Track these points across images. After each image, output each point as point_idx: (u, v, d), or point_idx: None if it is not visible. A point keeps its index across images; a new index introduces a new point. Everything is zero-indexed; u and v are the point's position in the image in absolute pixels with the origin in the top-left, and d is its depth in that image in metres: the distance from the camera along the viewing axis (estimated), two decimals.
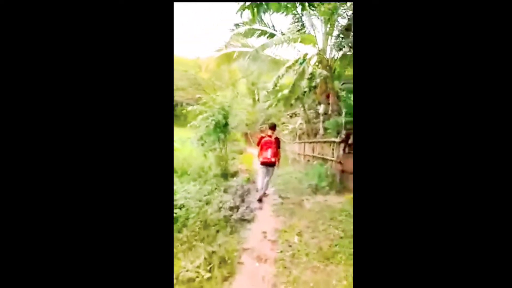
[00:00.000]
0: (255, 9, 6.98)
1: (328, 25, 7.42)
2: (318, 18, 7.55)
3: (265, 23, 8.06)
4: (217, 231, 3.12)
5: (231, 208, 3.75)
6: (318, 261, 2.39)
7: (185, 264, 2.24)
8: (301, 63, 7.48)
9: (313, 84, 7.85)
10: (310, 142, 7.97)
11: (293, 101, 8.78)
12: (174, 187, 4.35)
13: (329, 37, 7.68)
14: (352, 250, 2.50)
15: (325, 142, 6.57)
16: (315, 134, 8.27)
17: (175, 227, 3.07)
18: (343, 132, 5.90)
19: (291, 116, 12.32)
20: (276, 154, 4.55)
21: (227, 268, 2.26)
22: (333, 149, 5.91)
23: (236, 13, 6.41)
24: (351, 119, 6.27)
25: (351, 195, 4.42)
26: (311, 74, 7.52)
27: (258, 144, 4.78)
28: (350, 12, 6.91)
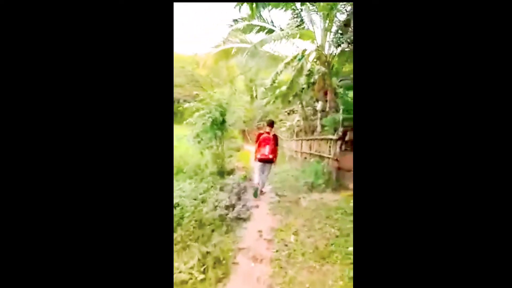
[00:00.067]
0: (254, 5, 6.91)
1: (327, 21, 7.33)
2: (317, 13, 7.45)
3: (263, 19, 7.95)
4: (212, 231, 3.08)
5: (227, 207, 3.71)
6: (314, 261, 2.36)
7: (179, 265, 2.20)
8: (299, 59, 7.39)
9: (311, 80, 7.79)
10: (308, 140, 7.94)
11: (291, 98, 8.71)
12: None
13: (328, 33, 7.59)
14: (348, 249, 2.50)
15: (322, 139, 6.53)
16: (313, 131, 8.22)
17: None
18: (340, 129, 5.87)
19: (288, 113, 12.27)
20: (274, 151, 4.57)
21: (222, 269, 2.23)
22: (330, 147, 5.88)
23: (235, 8, 6.33)
24: (349, 116, 6.25)
25: (347, 193, 4.41)
26: (309, 70, 7.45)
27: (256, 141, 4.75)
28: (349, 8, 6.83)
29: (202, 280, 2.07)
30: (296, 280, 2.09)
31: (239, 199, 4.31)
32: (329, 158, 5.81)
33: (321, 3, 6.86)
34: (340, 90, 8.01)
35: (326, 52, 7.73)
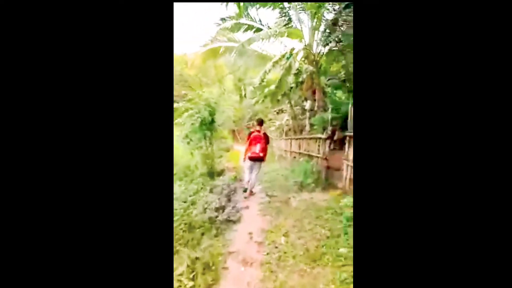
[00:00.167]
0: (242, 4, 6.85)
1: (315, 20, 7.35)
2: (305, 12, 7.46)
3: (251, 18, 7.91)
4: (202, 234, 3.04)
5: (216, 209, 3.66)
6: (305, 264, 2.35)
7: None
8: (288, 58, 7.38)
9: (300, 79, 7.81)
10: (297, 139, 7.96)
11: (279, 97, 8.71)
12: None
13: (316, 31, 7.62)
14: (339, 250, 2.51)
15: (311, 138, 6.56)
16: (301, 131, 8.25)
17: None
18: (329, 128, 5.91)
19: (277, 113, 12.28)
20: (265, 149, 4.62)
21: (211, 275, 2.18)
22: (319, 146, 5.91)
23: (221, 4, 6.26)
24: (337, 115, 6.30)
25: (336, 192, 4.43)
26: (297, 69, 7.47)
27: (247, 139, 4.75)
28: (337, 7, 6.86)
29: None
30: (286, 284, 2.07)
31: (229, 200, 4.27)
32: (318, 157, 5.84)
33: (309, 3, 6.87)
34: (328, 89, 8.07)
35: (314, 51, 7.76)
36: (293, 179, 5.52)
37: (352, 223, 2.82)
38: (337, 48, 7.62)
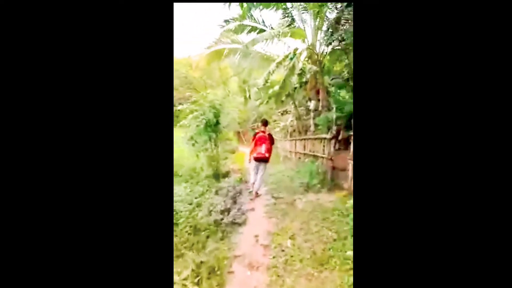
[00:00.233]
0: (245, 5, 6.84)
1: (318, 19, 7.30)
2: (307, 12, 7.42)
3: (255, 19, 7.89)
4: (207, 237, 3.02)
5: (222, 211, 3.64)
6: (312, 267, 2.30)
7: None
8: (291, 58, 7.34)
9: (304, 79, 7.76)
10: (301, 139, 7.90)
11: (284, 98, 8.66)
12: None
13: (319, 31, 7.57)
14: (346, 253, 2.46)
15: (315, 138, 6.51)
16: (306, 131, 8.19)
17: None
18: (334, 128, 5.85)
19: (282, 114, 12.23)
20: (270, 150, 4.62)
21: (217, 279, 2.16)
22: (323, 146, 5.85)
23: (224, 5, 6.25)
24: (341, 114, 6.23)
25: (342, 193, 4.37)
26: (301, 69, 7.42)
27: (253, 140, 4.75)
28: (339, 5, 6.80)
29: None
30: None
31: (234, 202, 4.24)
32: (323, 157, 5.78)
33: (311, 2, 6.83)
34: (332, 89, 8.00)
35: (317, 50, 7.71)
36: (299, 180, 5.47)
37: None
38: (340, 47, 7.55)
